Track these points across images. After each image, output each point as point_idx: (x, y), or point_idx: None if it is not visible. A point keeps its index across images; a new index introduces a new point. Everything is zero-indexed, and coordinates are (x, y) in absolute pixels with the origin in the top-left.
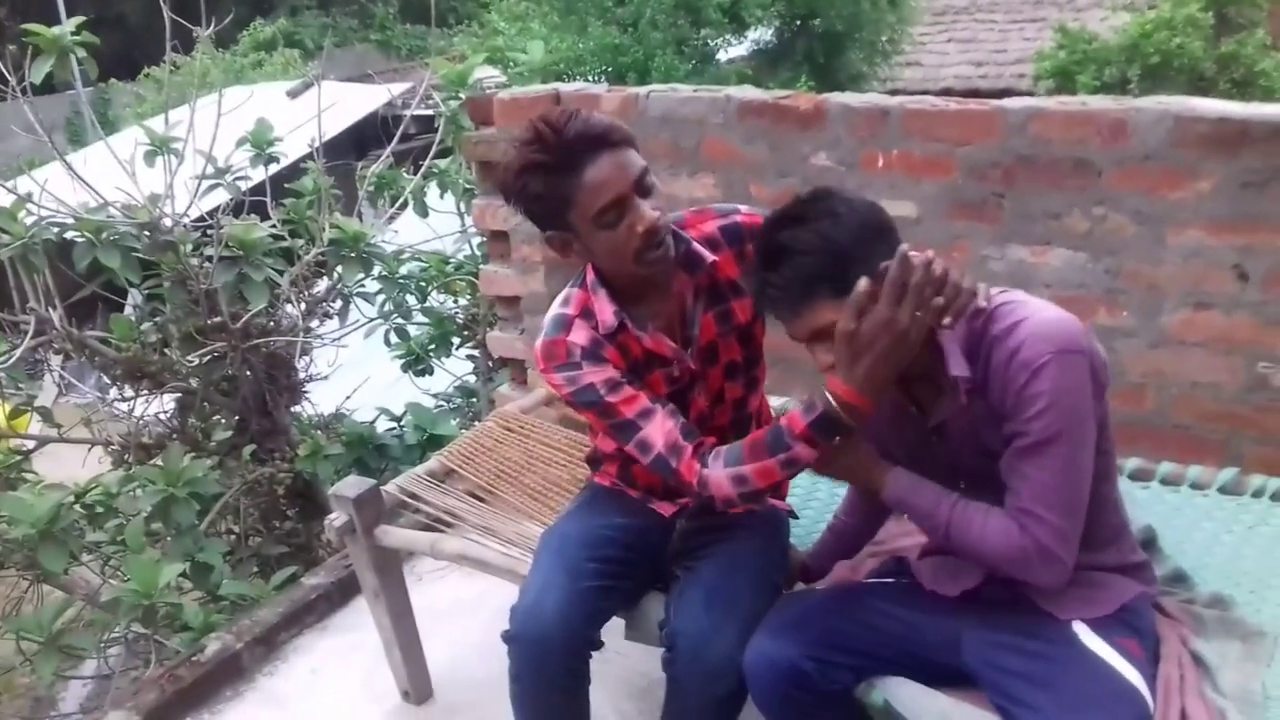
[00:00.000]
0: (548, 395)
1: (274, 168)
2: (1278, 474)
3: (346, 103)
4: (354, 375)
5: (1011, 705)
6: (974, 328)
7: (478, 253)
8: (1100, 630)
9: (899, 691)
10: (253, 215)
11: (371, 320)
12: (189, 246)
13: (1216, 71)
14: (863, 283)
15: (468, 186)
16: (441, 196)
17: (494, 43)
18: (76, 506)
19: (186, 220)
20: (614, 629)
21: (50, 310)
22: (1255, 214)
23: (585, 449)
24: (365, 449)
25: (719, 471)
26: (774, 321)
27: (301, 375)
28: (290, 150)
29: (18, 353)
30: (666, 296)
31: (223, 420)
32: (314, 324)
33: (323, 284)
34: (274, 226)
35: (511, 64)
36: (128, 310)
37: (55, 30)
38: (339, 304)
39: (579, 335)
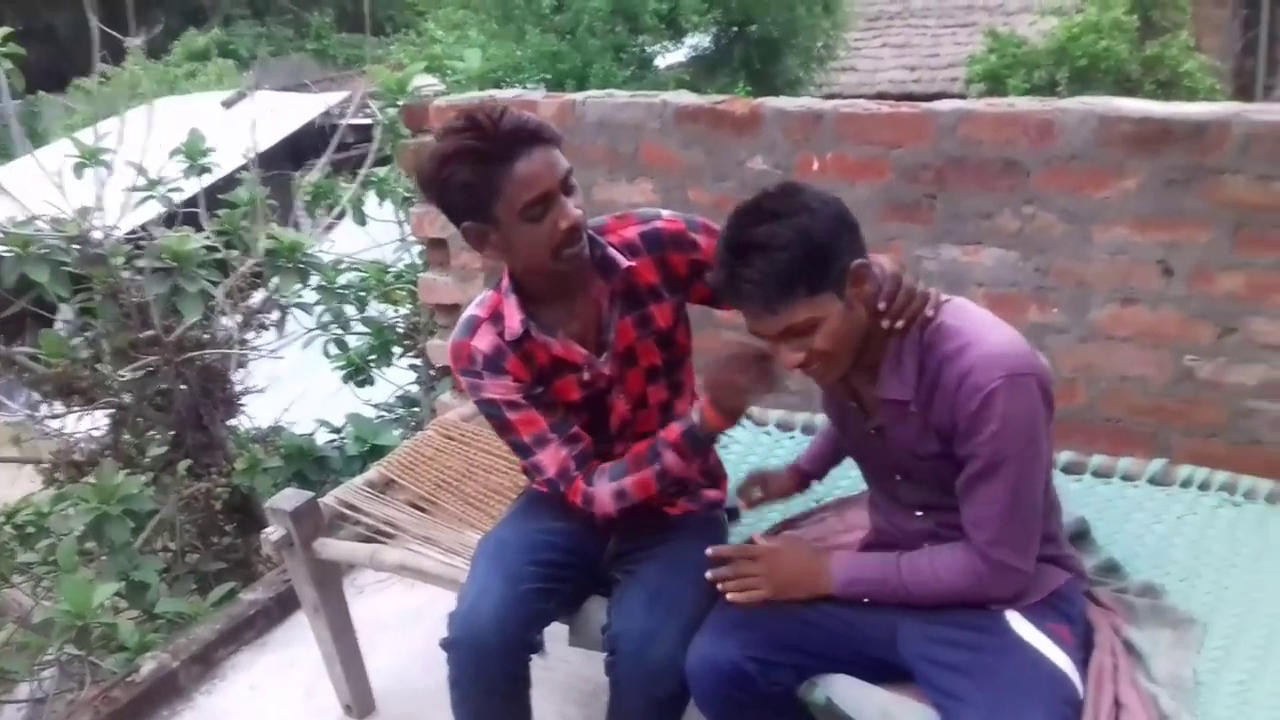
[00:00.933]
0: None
1: (208, 179)
2: (1205, 465)
3: (283, 112)
4: (293, 387)
5: (945, 699)
6: (922, 338)
7: (418, 261)
8: (1032, 617)
9: (840, 689)
10: (186, 227)
11: (310, 331)
12: (120, 259)
13: (1142, 73)
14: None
15: (406, 195)
16: (380, 205)
17: (431, 51)
18: (7, 527)
19: (118, 233)
20: (558, 636)
21: None
22: (1179, 211)
23: None
24: (305, 462)
25: (602, 487)
26: (700, 324)
27: (238, 388)
28: (225, 161)
29: None
30: (582, 301)
31: (157, 435)
32: (250, 336)
33: (259, 295)
34: (208, 238)
35: (449, 72)
36: (58, 325)
37: None
38: (276, 315)
39: (483, 341)
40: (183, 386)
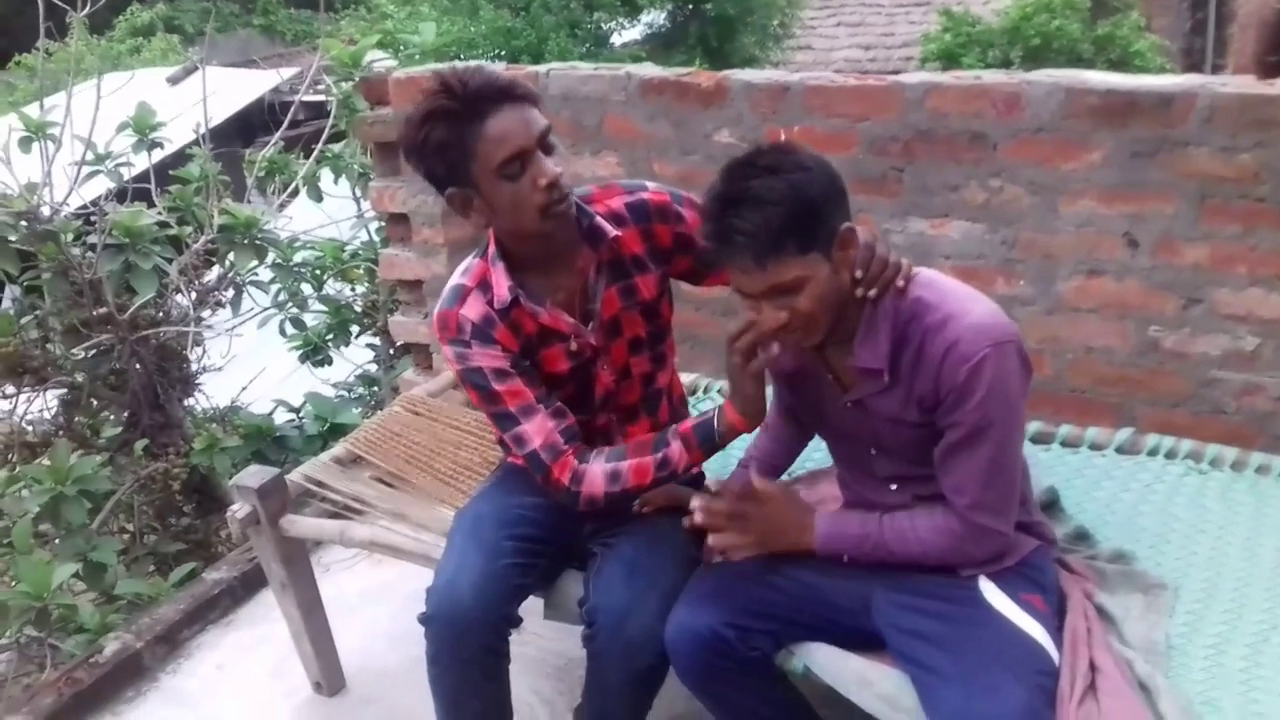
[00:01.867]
0: (455, 379)
1: (158, 155)
2: (1170, 433)
3: (231, 89)
4: (250, 366)
5: (918, 670)
6: (900, 309)
7: (375, 239)
8: (1004, 586)
9: (817, 656)
10: (139, 203)
11: (265, 309)
12: (70, 236)
13: (1094, 53)
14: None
15: (362, 171)
16: (336, 181)
17: (383, 26)
18: None
19: (68, 208)
20: (530, 610)
21: None
22: (1144, 183)
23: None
24: (264, 441)
25: (596, 466)
26: (683, 298)
27: (194, 367)
28: (174, 138)
29: None
30: (569, 270)
31: (111, 416)
32: (205, 314)
33: (214, 273)
34: (160, 214)
35: (403, 47)
36: (5, 304)
37: None
38: (231, 293)
39: (471, 309)
40: (137, 365)
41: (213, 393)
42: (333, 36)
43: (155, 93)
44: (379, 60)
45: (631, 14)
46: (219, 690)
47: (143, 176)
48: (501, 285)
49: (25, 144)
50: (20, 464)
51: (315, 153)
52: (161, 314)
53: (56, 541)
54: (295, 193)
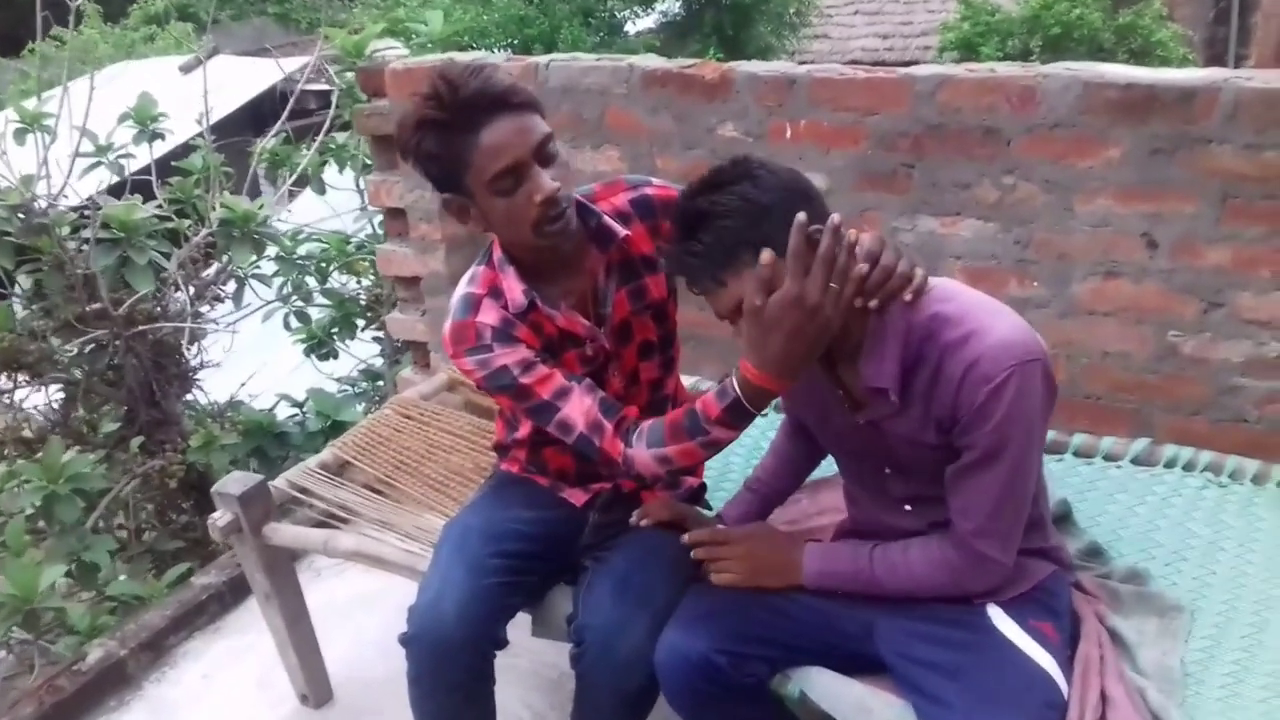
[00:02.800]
0: (450, 379)
1: (163, 146)
2: (1188, 443)
3: (243, 78)
4: (254, 361)
5: (921, 699)
6: (915, 325)
7: (379, 231)
8: (1014, 613)
9: (815, 681)
10: (137, 196)
11: (269, 303)
12: (66, 229)
13: (1115, 42)
14: (765, 254)
15: (367, 162)
16: (341, 172)
17: (395, 14)
18: None
19: (65, 201)
20: (522, 622)
21: None
22: (1164, 181)
23: (489, 436)
24: (264, 438)
25: (644, 452)
26: (686, 297)
27: (193, 362)
28: (183, 128)
29: None
30: (578, 273)
31: (109, 411)
32: (205, 309)
33: (214, 267)
34: (160, 207)
35: (413, 35)
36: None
37: None
38: (233, 287)
39: (488, 315)
40: (134, 361)
41: (217, 388)
42: (342, 25)
43: (167, 82)
44: (389, 49)
45: (646, 2)
46: (204, 701)
47: (149, 169)
48: (515, 290)
49: (20, 135)
50: (16, 459)
51: (317, 143)
52: (159, 309)
53: (50, 540)
54: (303, 184)
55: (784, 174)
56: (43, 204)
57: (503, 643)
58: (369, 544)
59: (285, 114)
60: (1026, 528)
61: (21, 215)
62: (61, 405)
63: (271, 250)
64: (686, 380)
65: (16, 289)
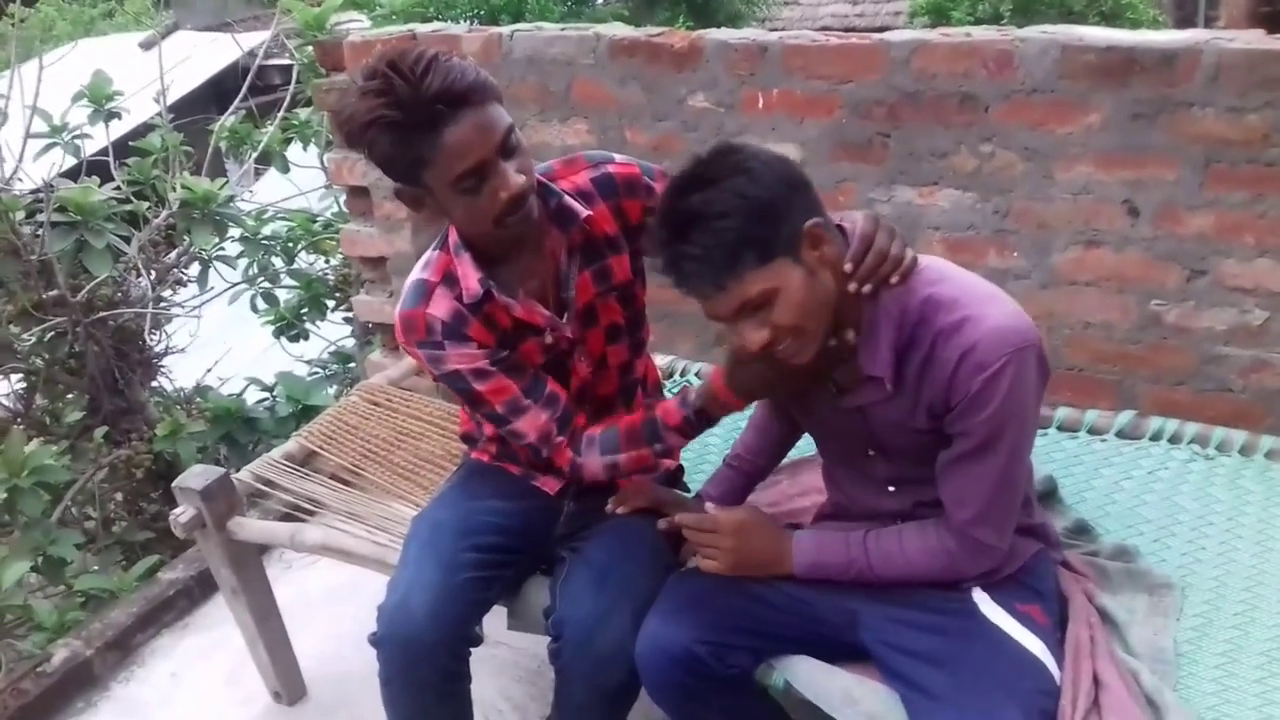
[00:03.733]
0: (418, 364)
1: (123, 126)
2: (1172, 413)
3: (205, 53)
4: (221, 345)
5: (907, 689)
6: (908, 309)
7: (345, 209)
8: (1000, 597)
9: (799, 671)
10: (95, 178)
11: (235, 285)
12: (20, 213)
13: (1086, 4)
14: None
15: (330, 138)
16: (305, 150)
17: None
18: None
19: (20, 184)
20: (499, 611)
21: None
22: (1145, 146)
23: (459, 422)
24: (233, 424)
25: (594, 460)
26: (655, 275)
27: (158, 348)
28: (145, 107)
29: None
30: (537, 255)
31: (74, 400)
32: (167, 293)
33: (176, 250)
34: (118, 188)
35: (376, 6)
36: None
37: None
38: (197, 269)
39: (439, 307)
40: (95, 348)
41: (185, 373)
42: None
43: (127, 59)
44: (351, 22)
45: None
46: (174, 700)
47: (106, 150)
48: (470, 278)
49: None
50: None
51: (277, 120)
52: (120, 294)
53: (16, 535)
54: (266, 162)
55: (775, 163)
56: None
57: (476, 640)
58: (337, 537)
59: (243, 90)
60: None
61: None
62: (22, 395)
63: (236, 231)
64: (660, 360)
65: None
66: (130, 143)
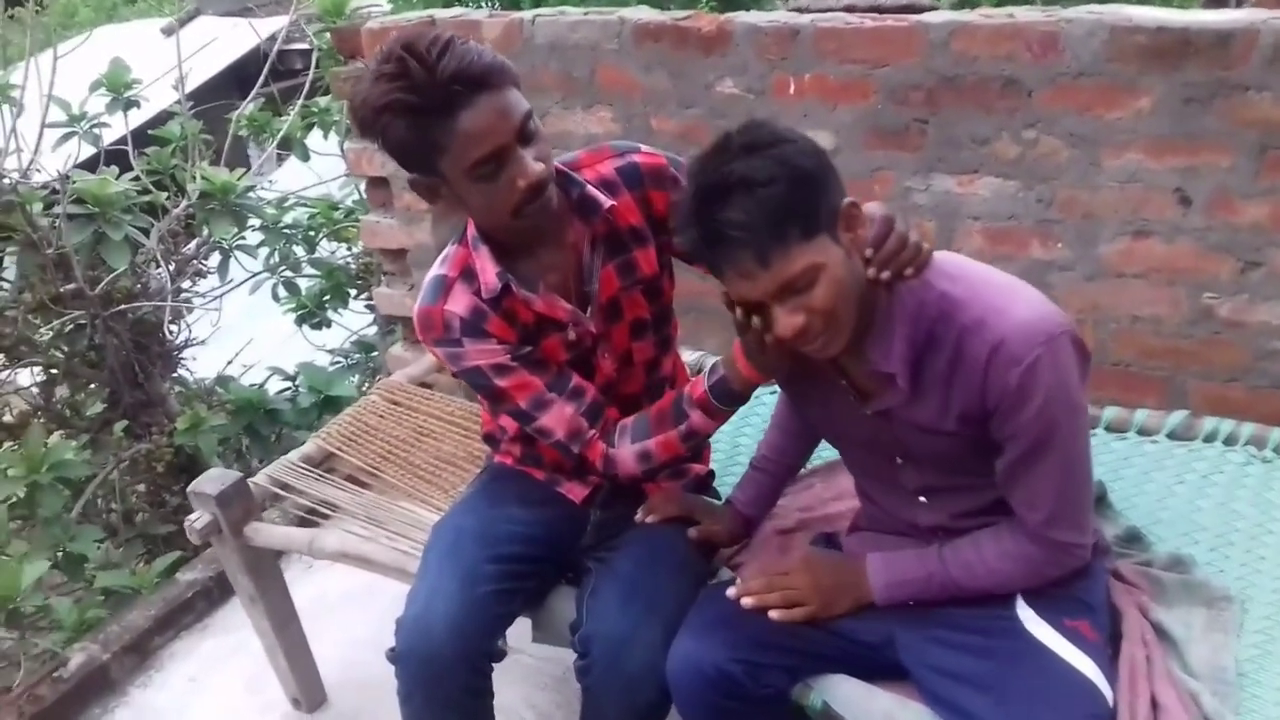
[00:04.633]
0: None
1: (143, 114)
2: (1224, 411)
3: (226, 39)
4: (244, 334)
5: (952, 715)
6: (926, 304)
7: (365, 199)
8: (1046, 613)
9: (839, 691)
10: (113, 167)
11: (256, 275)
12: (38, 205)
13: None
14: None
15: (350, 125)
16: (325, 137)
17: None
18: None
19: (38, 176)
20: (522, 621)
21: None
22: (1198, 132)
23: (481, 422)
24: (255, 416)
25: (625, 449)
26: (683, 267)
27: (178, 340)
28: (166, 94)
29: None
30: (560, 248)
31: (94, 393)
32: (187, 284)
33: (195, 240)
34: (137, 178)
35: None
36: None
37: None
38: (218, 258)
39: (457, 303)
40: (115, 341)
41: (207, 363)
42: None
43: (149, 46)
44: (372, 6)
45: None
46: (192, 705)
47: (133, 137)
48: (488, 272)
49: None
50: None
51: (296, 108)
52: (139, 286)
53: (37, 528)
54: (288, 149)
55: (812, 140)
56: (12, 179)
57: (499, 655)
58: (356, 544)
59: (262, 78)
60: None
61: None
62: (42, 388)
63: (256, 220)
64: (688, 355)
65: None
66: (149, 131)
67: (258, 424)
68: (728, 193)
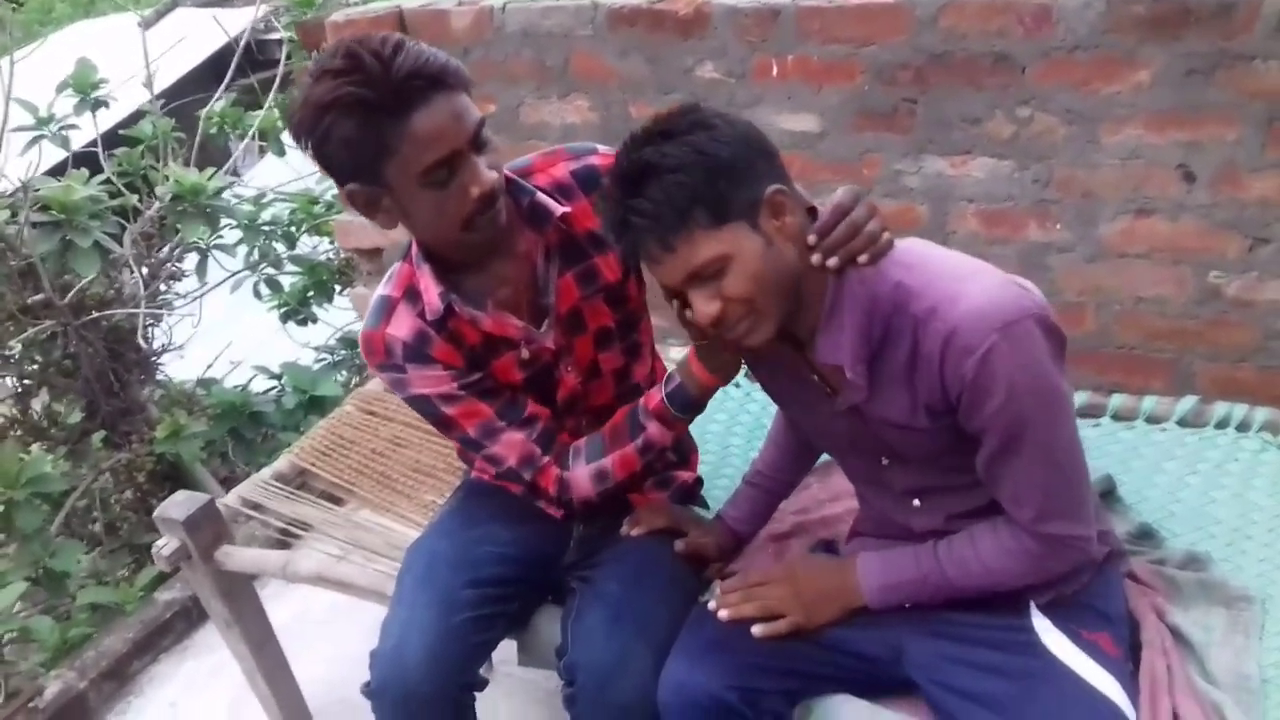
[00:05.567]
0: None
1: (118, 111)
2: (1233, 393)
3: (205, 31)
4: (227, 334)
5: None
6: (880, 297)
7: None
8: (1063, 624)
9: (842, 712)
10: (82, 170)
11: (237, 274)
12: (3, 214)
13: None
14: None
15: None
16: None
17: None
18: None
19: (2, 183)
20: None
21: None
22: (1200, 105)
23: None
24: (239, 419)
25: (580, 470)
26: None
27: (155, 346)
28: (141, 91)
29: None
30: (511, 260)
31: (72, 402)
32: (163, 287)
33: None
34: (107, 181)
35: None
36: None
37: None
38: (193, 261)
39: (400, 327)
40: (89, 350)
41: (189, 365)
42: None
43: (127, 40)
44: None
45: None
46: None
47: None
48: (431, 292)
49: None
50: None
51: (268, 102)
52: (112, 292)
53: (14, 546)
54: (264, 145)
55: (740, 125)
56: None
57: (480, 685)
58: (332, 566)
59: (230, 72)
60: None
61: None
62: (18, 399)
63: (231, 220)
64: (677, 353)
65: None
66: (119, 131)
67: (242, 428)
68: (638, 179)
